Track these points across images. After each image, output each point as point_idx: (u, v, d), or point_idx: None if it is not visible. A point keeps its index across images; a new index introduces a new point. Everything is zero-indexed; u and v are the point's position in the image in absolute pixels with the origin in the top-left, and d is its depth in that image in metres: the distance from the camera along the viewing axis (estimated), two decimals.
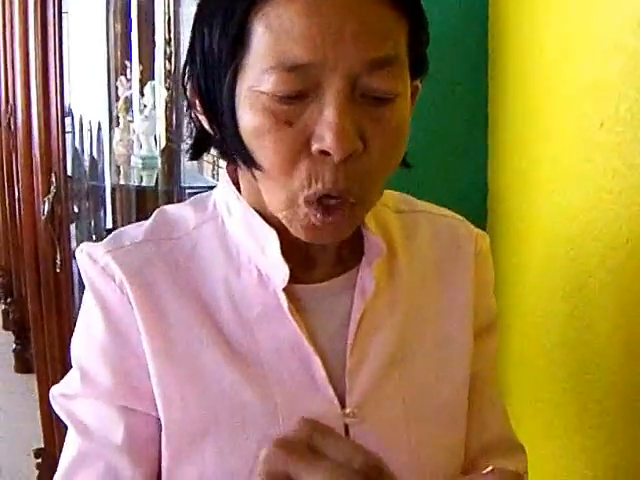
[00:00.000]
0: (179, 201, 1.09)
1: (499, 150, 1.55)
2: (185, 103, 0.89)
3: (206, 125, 0.87)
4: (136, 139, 2.52)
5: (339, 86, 0.76)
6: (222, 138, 0.85)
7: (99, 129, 2.54)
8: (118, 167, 2.40)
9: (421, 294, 0.97)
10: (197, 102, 0.86)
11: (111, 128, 2.49)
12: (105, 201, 2.42)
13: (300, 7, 0.76)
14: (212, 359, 0.88)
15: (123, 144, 2.39)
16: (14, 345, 4.23)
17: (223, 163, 0.95)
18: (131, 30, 2.58)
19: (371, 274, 0.90)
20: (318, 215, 0.80)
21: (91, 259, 0.91)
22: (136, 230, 0.94)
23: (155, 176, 2.37)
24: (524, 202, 1.44)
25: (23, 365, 4.13)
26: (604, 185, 1.17)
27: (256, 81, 0.78)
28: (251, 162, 0.81)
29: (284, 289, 0.87)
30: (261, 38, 0.78)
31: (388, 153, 0.81)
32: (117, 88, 2.50)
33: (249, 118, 0.80)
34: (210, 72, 0.82)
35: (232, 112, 0.81)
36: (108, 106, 2.52)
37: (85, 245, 0.93)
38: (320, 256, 0.91)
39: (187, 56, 0.86)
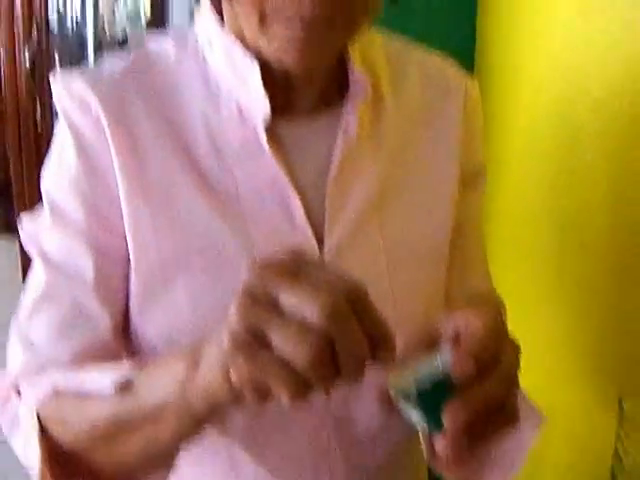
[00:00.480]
0: None
1: (487, 2, 1.51)
2: None
3: None
4: None
5: None
6: None
7: None
8: (103, 22, 2.32)
9: (407, 139, 0.95)
10: None
11: None
12: (87, 53, 2.35)
13: None
14: (188, 195, 0.86)
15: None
16: None
17: None
18: None
19: (355, 113, 0.88)
20: (294, 30, 0.76)
21: (66, 88, 0.88)
22: (116, 62, 0.91)
23: (139, 26, 2.29)
24: (511, 52, 1.40)
25: (6, 227, 4.13)
26: (595, 39, 1.14)
27: None
28: None
29: (264, 125, 0.85)
30: None
31: None
32: None
33: None
34: None
35: None
36: None
37: (61, 74, 0.90)
38: (303, 89, 0.88)
39: None
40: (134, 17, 2.29)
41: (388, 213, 0.92)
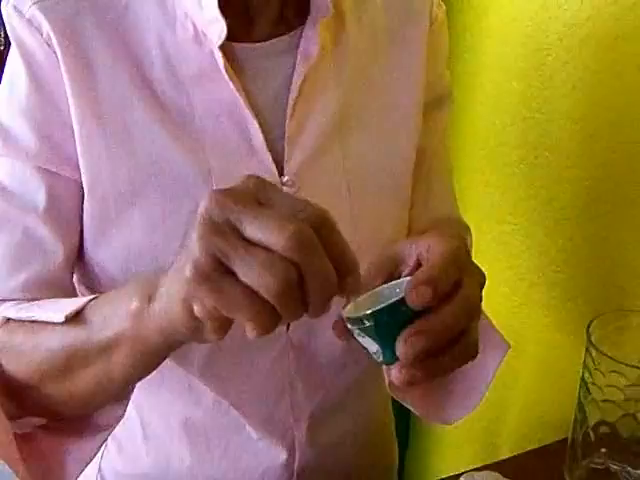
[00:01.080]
0: None
1: None
2: None
3: None
4: None
5: None
6: None
7: None
8: None
9: (370, 62, 0.91)
10: None
11: None
12: None
13: None
14: (143, 120, 0.82)
15: None
16: None
17: None
18: None
19: (316, 35, 0.84)
20: None
21: (16, 10, 0.83)
22: None
23: None
24: None
25: None
26: None
27: None
28: None
29: (221, 48, 0.81)
30: None
31: None
32: None
33: None
34: None
35: None
36: None
37: None
38: (261, 11, 0.85)
39: None
40: None
41: (349, 138, 0.89)
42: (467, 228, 1.05)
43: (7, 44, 0.86)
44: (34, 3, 0.82)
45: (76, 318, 0.72)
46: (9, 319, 0.79)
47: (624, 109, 1.04)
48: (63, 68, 0.81)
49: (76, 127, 0.82)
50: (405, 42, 0.94)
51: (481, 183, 1.37)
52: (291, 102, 0.85)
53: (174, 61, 0.84)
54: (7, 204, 0.84)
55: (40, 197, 0.83)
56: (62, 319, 0.72)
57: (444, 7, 0.99)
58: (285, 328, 0.89)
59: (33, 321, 0.77)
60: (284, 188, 0.84)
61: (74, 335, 0.72)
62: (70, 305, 0.73)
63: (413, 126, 0.94)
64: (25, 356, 0.76)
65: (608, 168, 1.08)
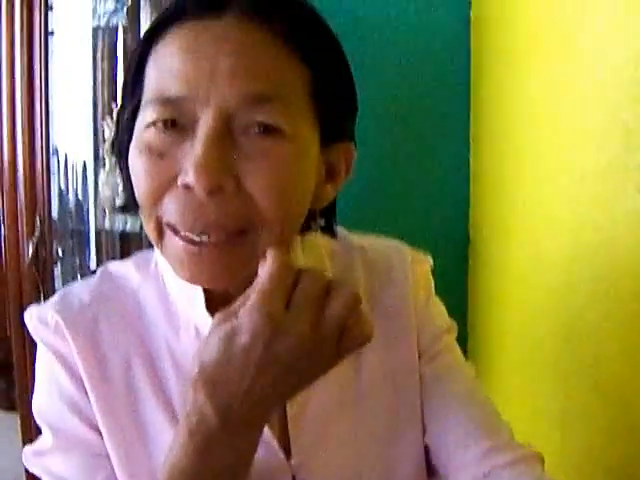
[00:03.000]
0: None
1: (480, 199, 1.56)
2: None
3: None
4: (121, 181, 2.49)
5: (210, 120, 0.75)
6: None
7: (84, 170, 2.53)
8: (103, 209, 2.38)
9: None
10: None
11: (97, 170, 2.48)
12: (90, 243, 2.41)
13: (182, 45, 0.77)
14: (156, 422, 0.88)
15: (109, 186, 2.38)
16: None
17: None
18: (117, 71, 2.58)
19: None
20: (180, 249, 0.78)
21: (42, 323, 0.91)
22: (83, 290, 0.94)
23: (139, 220, 2.32)
24: (504, 251, 1.44)
25: (8, 403, 4.11)
26: (583, 237, 1.18)
27: (142, 116, 0.79)
28: (135, 202, 0.81)
29: None
30: (150, 76, 0.80)
31: (270, 193, 0.77)
32: (103, 129, 2.49)
33: (131, 153, 0.80)
34: (119, 120, 0.84)
35: (128, 153, 0.82)
36: (94, 147, 2.51)
37: (33, 309, 0.93)
38: None
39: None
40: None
41: (355, 410, 0.92)
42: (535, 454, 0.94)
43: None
44: (56, 312, 0.90)
45: None
46: None
47: None
48: (84, 377, 0.88)
49: (100, 427, 0.88)
50: (388, 311, 0.96)
51: None
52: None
53: (180, 363, 0.89)
54: None
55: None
56: None
57: (428, 261, 1.02)
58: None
59: None
60: (294, 471, 0.88)
61: None
62: None
63: (414, 382, 0.95)
64: None
65: None
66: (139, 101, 0.80)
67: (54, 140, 2.58)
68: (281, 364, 0.70)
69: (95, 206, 2.41)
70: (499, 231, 1.46)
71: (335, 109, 0.84)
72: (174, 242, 0.78)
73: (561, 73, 1.25)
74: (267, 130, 0.76)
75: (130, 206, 0.86)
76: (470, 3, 1.55)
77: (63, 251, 2.39)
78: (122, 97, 0.85)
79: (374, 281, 0.98)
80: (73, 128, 2.65)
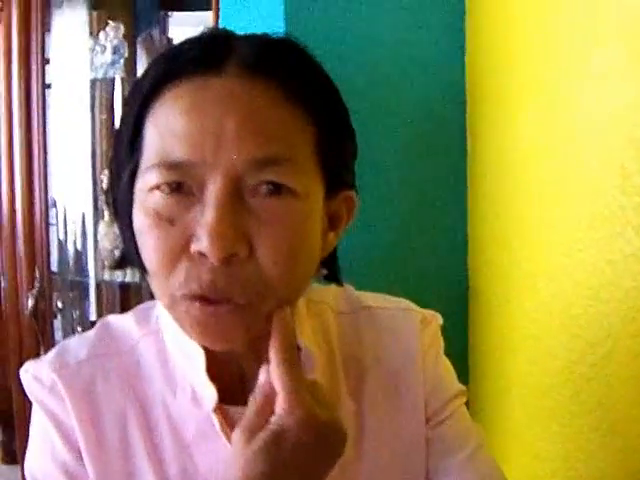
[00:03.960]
0: None
1: (479, 246, 1.56)
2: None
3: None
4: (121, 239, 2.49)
5: (219, 185, 0.74)
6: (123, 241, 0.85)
7: (83, 222, 2.54)
8: (102, 261, 2.39)
9: (369, 406, 0.93)
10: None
11: (96, 221, 2.49)
12: (89, 295, 2.41)
13: (183, 105, 0.76)
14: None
15: (108, 238, 2.38)
16: (0, 436, 4.16)
17: None
18: (115, 122, 2.60)
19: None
20: (197, 310, 0.76)
21: (37, 381, 0.89)
22: (80, 345, 0.92)
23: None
24: (504, 297, 1.44)
25: (9, 456, 4.07)
26: (583, 281, 1.17)
27: (143, 179, 0.78)
28: (140, 262, 0.80)
29: (217, 409, 0.85)
30: (150, 137, 0.78)
31: (280, 258, 0.77)
32: (102, 181, 2.51)
33: (137, 217, 0.79)
34: (116, 177, 0.83)
35: (129, 215, 0.80)
36: (93, 199, 2.53)
37: (29, 365, 0.91)
38: (252, 372, 0.85)
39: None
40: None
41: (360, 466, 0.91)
42: None
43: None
44: (53, 371, 0.88)
45: None
46: None
47: None
48: (78, 435, 0.86)
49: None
50: (398, 378, 0.95)
51: None
52: None
53: (177, 424, 0.87)
54: None
55: None
56: None
57: (435, 321, 0.99)
58: None
59: None
60: None
61: None
62: None
63: (421, 447, 0.94)
64: None
65: None
66: (137, 161, 0.79)
67: (53, 192, 2.60)
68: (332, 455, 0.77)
69: (95, 258, 2.42)
70: (498, 277, 1.46)
71: (339, 161, 0.84)
72: (189, 305, 0.77)
73: (558, 116, 1.25)
74: (277, 189, 0.76)
75: (130, 261, 0.85)
76: (464, 49, 1.56)
77: (63, 303, 2.40)
78: (116, 156, 0.83)
79: (380, 341, 0.96)
80: (71, 180, 2.67)
